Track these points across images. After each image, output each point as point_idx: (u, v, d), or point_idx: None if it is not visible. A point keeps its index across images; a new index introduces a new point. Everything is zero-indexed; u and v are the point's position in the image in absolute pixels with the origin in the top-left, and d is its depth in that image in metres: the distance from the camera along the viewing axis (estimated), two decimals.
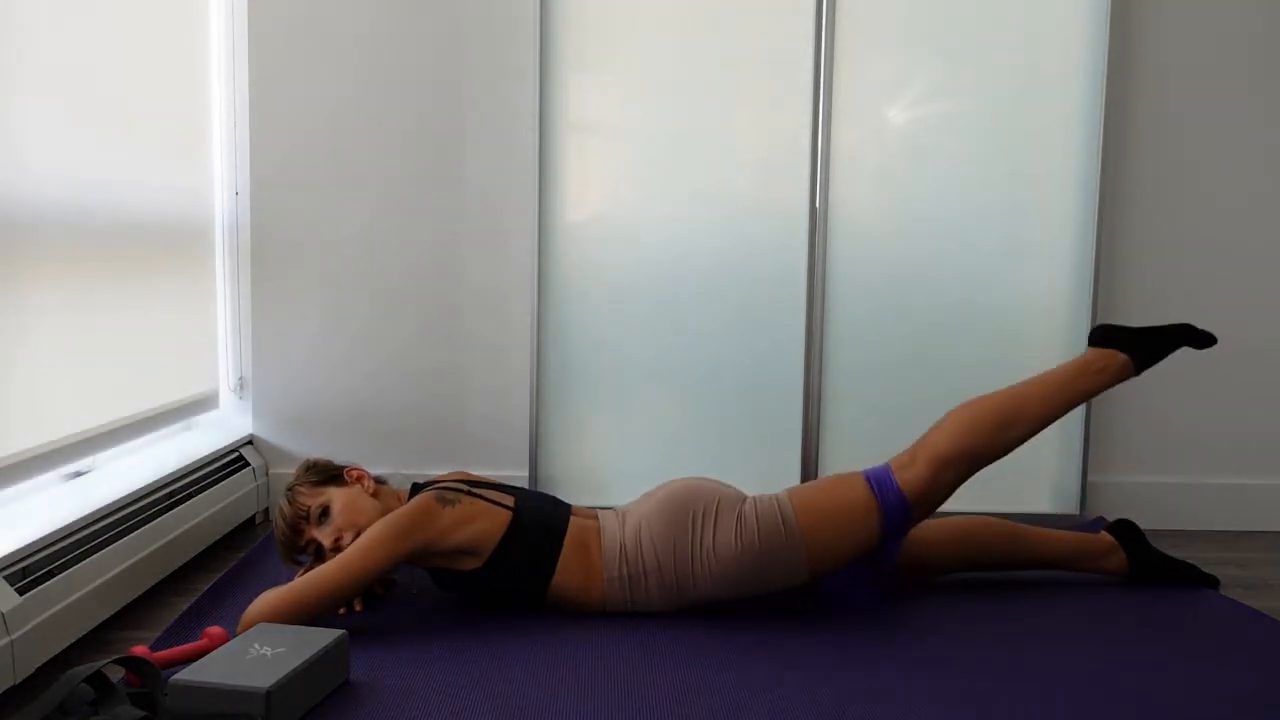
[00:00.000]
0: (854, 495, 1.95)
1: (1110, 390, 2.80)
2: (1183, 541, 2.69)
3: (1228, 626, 1.98)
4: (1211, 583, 2.23)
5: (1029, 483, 2.81)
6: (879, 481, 1.96)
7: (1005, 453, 1.97)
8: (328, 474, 2.06)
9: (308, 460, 2.12)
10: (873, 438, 2.81)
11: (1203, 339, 2.03)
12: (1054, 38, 2.74)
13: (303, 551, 2.03)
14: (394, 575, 2.18)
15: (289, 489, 2.05)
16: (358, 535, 1.96)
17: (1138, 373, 2.01)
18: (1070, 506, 2.80)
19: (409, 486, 2.12)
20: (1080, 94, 2.74)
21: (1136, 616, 2.03)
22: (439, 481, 2.06)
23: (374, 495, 2.05)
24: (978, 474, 2.77)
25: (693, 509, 1.96)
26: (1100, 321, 2.78)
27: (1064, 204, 2.77)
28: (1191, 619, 2.02)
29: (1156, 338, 2.01)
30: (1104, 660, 1.80)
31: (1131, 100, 2.77)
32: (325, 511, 2.00)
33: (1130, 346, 2.00)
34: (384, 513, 2.01)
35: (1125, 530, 2.26)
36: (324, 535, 1.98)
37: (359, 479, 2.07)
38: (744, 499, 1.99)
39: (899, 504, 1.94)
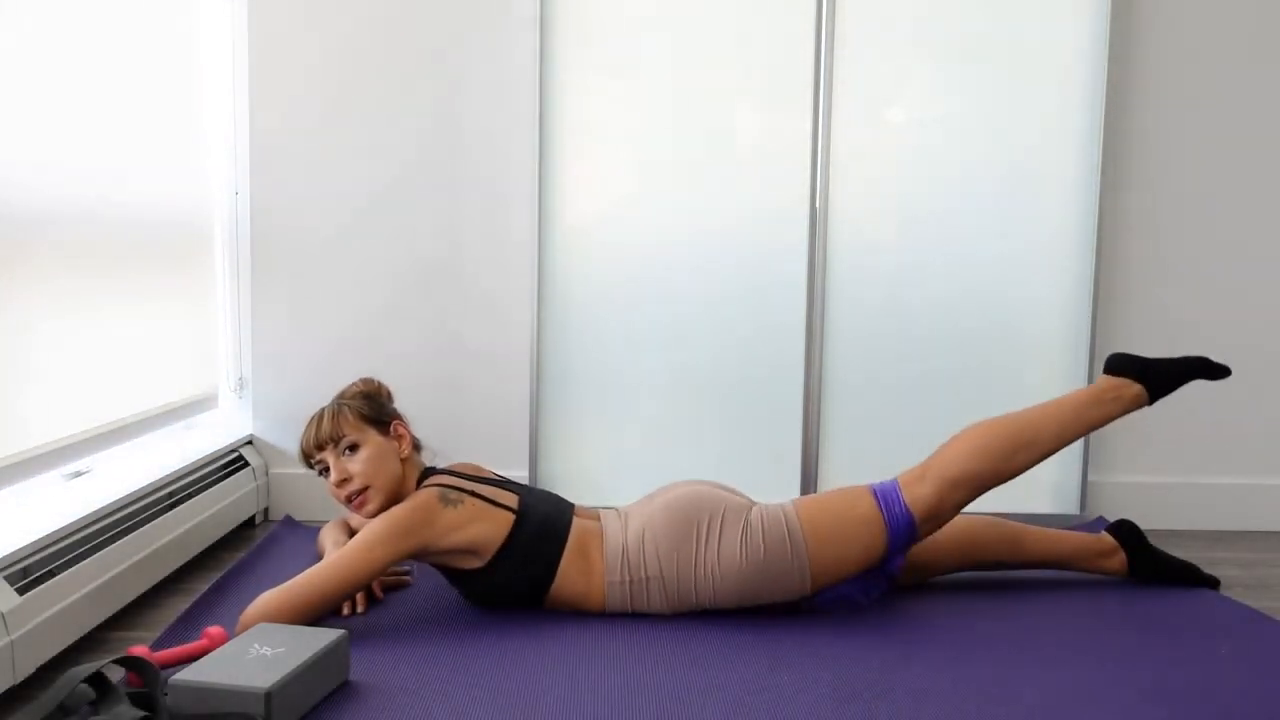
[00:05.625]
0: (860, 510, 1.95)
1: None
2: (1183, 541, 2.69)
3: (1228, 626, 1.98)
4: (1212, 583, 2.23)
5: (1029, 483, 2.81)
6: (886, 497, 1.96)
7: (1014, 476, 2.00)
8: (380, 415, 2.05)
9: (371, 383, 2.12)
10: (873, 437, 2.81)
11: (1217, 371, 2.05)
12: (1054, 39, 2.74)
13: (315, 463, 2.02)
14: (409, 578, 2.18)
15: (342, 399, 2.05)
16: (364, 489, 1.96)
17: (1151, 402, 2.03)
18: (1070, 506, 2.80)
19: (420, 471, 2.10)
20: (1080, 95, 2.74)
21: (1136, 616, 2.03)
22: (451, 470, 2.05)
23: (405, 460, 2.04)
24: None
25: (698, 518, 1.95)
26: (1100, 323, 2.78)
27: (1064, 204, 2.77)
28: (1191, 619, 2.02)
29: (1170, 368, 2.03)
30: (1103, 660, 1.80)
31: (1131, 101, 2.77)
32: (354, 447, 1.99)
33: (1144, 376, 2.03)
34: (399, 483, 2.01)
35: (1125, 531, 2.26)
36: (336, 468, 1.98)
37: (401, 437, 2.05)
38: (750, 507, 1.98)
39: (905, 521, 1.95)
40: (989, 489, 1.99)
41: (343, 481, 1.98)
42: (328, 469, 2.00)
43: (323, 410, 2.03)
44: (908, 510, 1.95)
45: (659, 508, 1.99)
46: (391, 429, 2.05)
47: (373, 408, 2.05)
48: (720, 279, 2.78)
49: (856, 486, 2.01)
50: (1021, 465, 1.98)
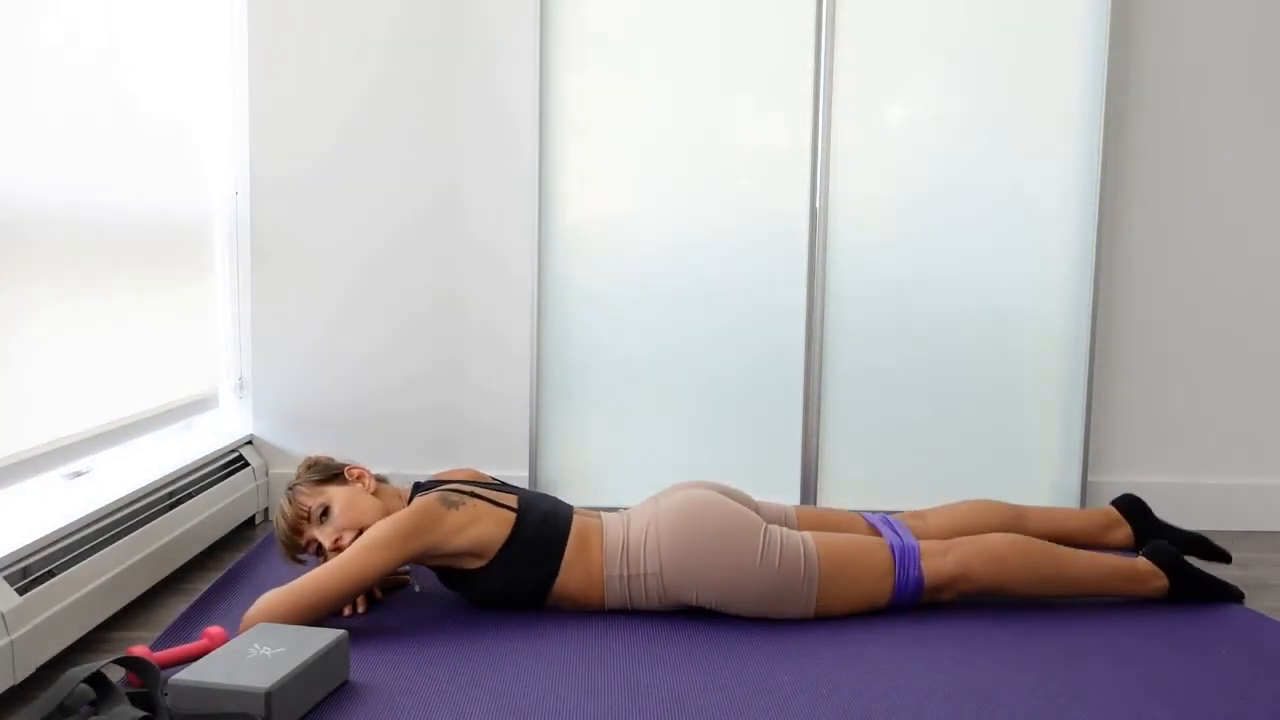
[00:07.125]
0: (876, 560, 1.99)
1: (1109, 390, 2.81)
2: None
3: (1227, 626, 1.98)
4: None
5: (1029, 484, 2.81)
6: (902, 557, 2.00)
7: (1026, 597, 2.06)
8: (328, 473, 2.06)
9: (308, 459, 2.12)
10: (873, 436, 2.81)
11: (1236, 597, 2.12)
12: (1053, 38, 2.74)
13: (304, 550, 2.03)
14: (409, 576, 2.18)
15: (290, 488, 2.05)
16: (358, 535, 1.96)
17: (1168, 598, 2.09)
18: (1070, 506, 2.80)
19: (410, 485, 2.12)
20: (1080, 94, 2.74)
21: (1135, 616, 2.03)
22: (444, 480, 2.06)
23: (374, 494, 2.05)
24: (977, 474, 2.81)
25: (708, 526, 1.95)
26: (1100, 323, 2.78)
27: (1064, 204, 2.77)
28: (1191, 618, 2.02)
29: (1199, 580, 2.09)
30: (1103, 659, 1.80)
31: (1131, 100, 2.77)
32: (326, 511, 2.00)
33: (1174, 576, 2.08)
34: (385, 512, 2.01)
35: (1130, 502, 2.30)
36: (325, 535, 1.98)
37: (360, 478, 2.07)
38: (763, 525, 1.98)
39: (915, 583, 1.99)
40: (998, 594, 2.04)
41: (336, 542, 1.98)
42: (320, 546, 2.01)
43: (279, 504, 2.04)
44: (920, 575, 1.99)
45: (669, 507, 1.99)
46: (346, 475, 2.07)
47: (320, 471, 2.07)
48: (720, 279, 2.78)
49: (876, 539, 2.03)
50: (1034, 595, 2.05)
